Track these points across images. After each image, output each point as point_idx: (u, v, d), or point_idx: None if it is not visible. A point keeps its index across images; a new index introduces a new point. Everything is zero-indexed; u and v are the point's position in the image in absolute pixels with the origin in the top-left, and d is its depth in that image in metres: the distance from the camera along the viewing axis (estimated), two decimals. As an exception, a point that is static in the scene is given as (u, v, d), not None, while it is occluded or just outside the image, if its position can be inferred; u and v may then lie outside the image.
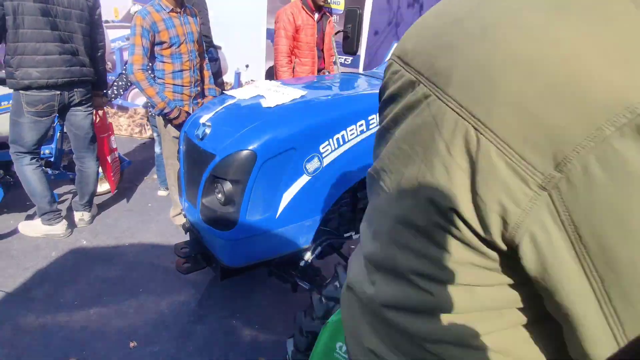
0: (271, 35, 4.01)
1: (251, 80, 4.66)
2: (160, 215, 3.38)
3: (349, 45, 2.48)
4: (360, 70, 4.01)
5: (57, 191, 3.40)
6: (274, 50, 3.25)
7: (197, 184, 1.67)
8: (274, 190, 1.65)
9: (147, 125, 5.12)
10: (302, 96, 1.77)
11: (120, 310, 2.33)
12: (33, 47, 2.39)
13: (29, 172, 2.69)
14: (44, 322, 2.19)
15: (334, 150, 1.77)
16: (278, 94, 1.77)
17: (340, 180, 1.88)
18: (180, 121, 2.72)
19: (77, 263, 2.69)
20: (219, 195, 1.61)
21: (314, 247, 1.97)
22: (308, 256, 1.97)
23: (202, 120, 1.72)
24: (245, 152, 1.54)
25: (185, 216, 1.97)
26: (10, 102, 2.63)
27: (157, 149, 3.50)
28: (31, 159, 2.70)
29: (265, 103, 1.70)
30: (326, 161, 1.75)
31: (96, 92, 2.90)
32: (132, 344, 2.11)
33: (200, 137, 1.65)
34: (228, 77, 4.68)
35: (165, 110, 2.61)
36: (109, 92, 3.27)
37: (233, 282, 2.62)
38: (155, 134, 3.45)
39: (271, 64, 4.13)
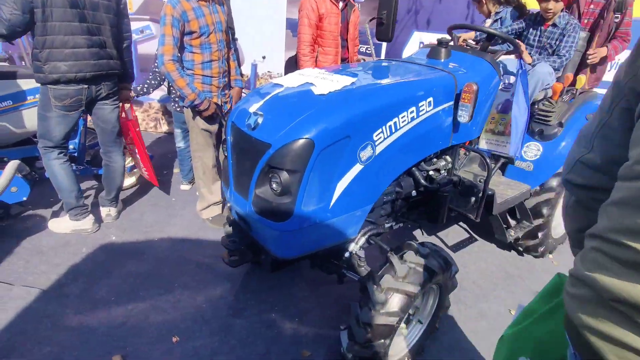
0: (292, 25, 3.95)
1: (268, 71, 4.59)
2: (186, 210, 3.34)
3: (384, 32, 2.42)
4: (382, 57, 3.95)
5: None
6: (297, 39, 3.19)
7: (250, 175, 1.63)
8: (328, 180, 1.61)
9: (162, 119, 5.06)
10: (353, 83, 1.72)
11: (157, 305, 2.30)
12: (61, 40, 2.33)
13: (56, 167, 2.65)
14: (82, 319, 2.16)
15: (386, 138, 1.72)
16: (328, 81, 1.72)
17: (390, 169, 1.84)
18: (209, 113, 2.67)
19: (108, 258, 2.66)
20: (275, 186, 1.56)
21: (359, 238, 1.94)
22: (353, 247, 1.94)
23: (252, 110, 1.67)
24: (302, 141, 1.49)
25: (231, 209, 1.93)
26: (37, 96, 2.58)
27: (179, 144, 3.45)
28: (59, 153, 2.65)
29: (317, 90, 1.65)
30: (378, 149, 1.71)
31: (123, 85, 2.85)
32: (174, 339, 2.08)
33: (253, 126, 1.60)
34: (244, 69, 4.61)
35: (196, 102, 2.56)
36: (139, 88, 3.20)
37: (268, 274, 2.59)
38: (177, 129, 3.39)
39: (291, 54, 4.06)
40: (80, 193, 2.81)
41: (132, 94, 3.02)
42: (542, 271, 2.92)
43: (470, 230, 3.37)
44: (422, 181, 2.08)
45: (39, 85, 2.50)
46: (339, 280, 2.00)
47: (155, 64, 3.22)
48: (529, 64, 2.62)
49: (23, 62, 5.05)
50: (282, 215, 1.58)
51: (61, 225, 2.84)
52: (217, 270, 2.63)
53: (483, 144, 2.56)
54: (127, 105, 2.93)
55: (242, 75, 3.23)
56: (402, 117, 1.75)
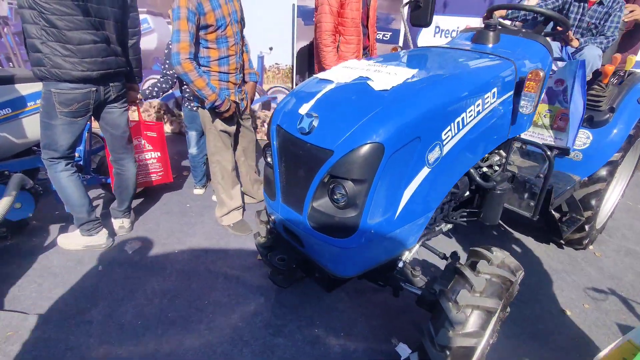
0: (303, 12, 3.69)
1: (276, 64, 4.34)
2: (204, 216, 3.13)
3: (421, 17, 2.21)
4: (400, 45, 3.73)
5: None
6: (316, 28, 2.95)
7: (305, 185, 1.42)
8: (396, 187, 1.41)
9: (164, 119, 4.79)
10: (413, 75, 1.51)
11: (190, 327, 2.10)
12: (65, 36, 2.07)
13: (64, 179, 2.41)
14: (109, 350, 1.95)
15: (454, 136, 1.53)
16: (385, 74, 1.52)
17: (455, 170, 1.66)
18: (230, 113, 2.44)
19: (127, 276, 2.44)
20: (337, 198, 1.36)
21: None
22: (407, 255, 1.76)
23: (302, 111, 1.45)
24: (371, 146, 1.29)
25: (274, 223, 1.72)
26: (39, 102, 2.32)
27: (192, 149, 3.22)
28: (66, 164, 2.41)
29: (377, 86, 1.44)
30: (445, 149, 1.52)
31: (130, 84, 2.60)
32: (215, 366, 1.89)
33: (307, 130, 1.39)
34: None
35: (217, 103, 2.33)
36: (147, 91, 2.93)
37: (301, 285, 2.40)
38: (191, 131, 3.15)
39: (302, 44, 3.83)
40: (92, 206, 2.58)
41: (139, 96, 2.76)
42: (586, 264, 2.78)
43: (503, 225, 3.22)
44: (478, 179, 1.89)
45: (39, 90, 2.24)
46: (394, 293, 1.81)
47: (166, 65, 2.96)
48: (575, 47, 2.43)
49: (10, 64, 4.72)
50: (346, 230, 1.39)
51: (72, 241, 2.61)
52: (247, 282, 2.44)
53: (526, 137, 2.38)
54: (132, 108, 2.68)
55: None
56: (469, 112, 1.55)
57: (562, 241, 2.76)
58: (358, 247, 1.43)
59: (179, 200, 3.37)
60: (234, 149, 2.83)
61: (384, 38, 3.78)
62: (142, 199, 3.33)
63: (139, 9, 2.66)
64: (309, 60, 3.88)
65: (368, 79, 1.50)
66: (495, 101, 1.70)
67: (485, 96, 1.62)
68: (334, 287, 1.65)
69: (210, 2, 2.21)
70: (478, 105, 1.59)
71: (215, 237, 2.88)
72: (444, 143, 1.50)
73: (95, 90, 2.28)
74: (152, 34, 4.34)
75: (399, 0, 3.58)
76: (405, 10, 2.29)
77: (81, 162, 2.92)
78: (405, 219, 1.51)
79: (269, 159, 1.65)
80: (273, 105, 4.58)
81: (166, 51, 2.99)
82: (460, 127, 1.54)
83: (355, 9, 2.88)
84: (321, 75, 1.65)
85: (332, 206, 1.39)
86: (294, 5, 3.84)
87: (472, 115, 1.57)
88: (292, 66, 4.18)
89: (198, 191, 3.44)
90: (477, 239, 2.99)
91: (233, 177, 2.81)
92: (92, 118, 2.52)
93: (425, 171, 1.48)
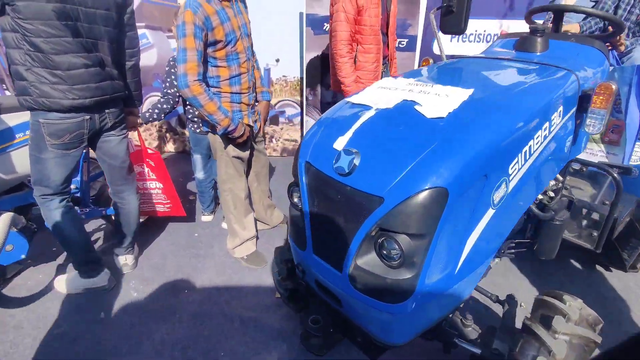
0: (312, 22, 3.45)
1: (283, 76, 4.09)
2: (214, 247, 2.87)
3: (455, 23, 1.95)
4: (417, 52, 3.49)
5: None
6: (331, 37, 2.70)
7: (346, 238, 1.16)
8: (459, 237, 1.15)
9: (166, 137, 4.55)
10: (470, 97, 1.25)
11: (206, 386, 1.84)
12: (52, 61, 1.82)
13: (59, 218, 2.15)
14: (114, 417, 1.69)
15: (521, 168, 1.27)
16: (434, 96, 1.26)
17: (518, 207, 1.40)
18: (245, 138, 2.19)
19: (133, 324, 2.18)
20: (390, 255, 1.10)
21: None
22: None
23: (338, 146, 1.20)
24: (432, 191, 1.03)
25: (303, 273, 1.46)
26: (28, 132, 2.07)
27: (199, 174, 2.97)
28: (60, 201, 2.15)
29: (428, 112, 1.18)
30: (511, 185, 1.26)
31: (129, 109, 2.35)
32: None
33: (347, 170, 1.13)
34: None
35: (230, 128, 2.07)
36: (147, 114, 2.67)
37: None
38: (196, 154, 2.90)
39: (311, 55, 3.58)
40: (91, 245, 2.33)
41: (140, 120, 2.52)
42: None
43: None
44: (535, 210, 1.63)
45: (27, 119, 1.99)
46: (445, 349, 1.54)
47: (167, 84, 2.71)
48: (622, 51, 2.17)
49: (3, 85, 4.48)
50: (399, 294, 1.12)
51: (70, 284, 2.36)
52: (266, 326, 2.17)
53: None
54: (134, 134, 2.43)
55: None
56: (536, 138, 1.29)
57: (629, 270, 2.47)
58: (412, 312, 1.17)
59: (186, 228, 3.11)
60: (247, 174, 2.58)
61: (400, 45, 3.53)
62: (145, 227, 3.07)
63: (138, 24, 2.42)
64: (320, 71, 3.62)
65: (415, 103, 1.25)
66: (560, 121, 1.43)
67: (552, 117, 1.36)
68: (380, 353, 1.39)
69: (219, 15, 1.96)
70: (545, 128, 1.33)
71: (227, 272, 2.61)
72: (511, 178, 1.24)
73: (90, 118, 2.03)
74: (152, 49, 4.10)
75: (416, 4, 3.34)
76: (433, 16, 2.03)
77: (78, 194, 2.67)
78: (467, 271, 1.25)
79: (296, 200, 1.39)
80: (281, 119, 4.33)
81: (167, 68, 2.74)
82: (527, 156, 1.28)
83: (374, 15, 2.63)
84: (354, 98, 1.38)
85: (382, 264, 1.13)
86: (301, 14, 3.60)
87: (539, 141, 1.31)
88: (302, 78, 3.93)
89: (206, 218, 3.18)
90: (515, 263, 2.71)
91: (246, 205, 2.55)
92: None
93: (489, 213, 1.22)
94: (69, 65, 1.86)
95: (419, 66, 3.63)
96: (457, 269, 1.20)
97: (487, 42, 3.86)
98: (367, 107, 1.30)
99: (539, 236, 1.77)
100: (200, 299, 2.38)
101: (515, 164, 1.23)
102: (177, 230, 3.09)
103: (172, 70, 2.67)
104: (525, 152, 1.26)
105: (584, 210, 1.83)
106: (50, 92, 1.84)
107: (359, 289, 1.18)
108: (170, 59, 2.75)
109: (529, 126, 1.25)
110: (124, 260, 2.55)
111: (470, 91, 1.28)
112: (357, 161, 1.13)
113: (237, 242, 2.62)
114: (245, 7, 2.24)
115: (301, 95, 4.11)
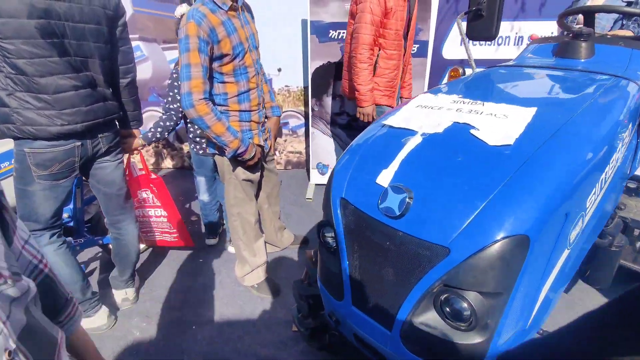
0: (317, 29, 3.26)
1: (285, 86, 3.90)
2: (221, 274, 2.65)
3: (484, 28, 1.77)
4: (429, 58, 3.30)
5: (80, 259, 2.65)
6: (352, 40, 2.50)
7: (398, 291, 0.96)
8: (534, 289, 0.96)
9: (164, 153, 4.33)
10: (535, 118, 1.06)
11: None
12: (37, 84, 1.62)
13: (51, 255, 1.93)
14: None
15: (596, 199, 1.07)
16: (490, 118, 1.06)
17: (588, 241, 1.20)
18: (256, 160, 1.98)
19: (136, 370, 1.96)
20: (457, 315, 0.90)
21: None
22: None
23: (383, 181, 1.00)
24: (510, 240, 0.83)
25: (337, 324, 1.25)
26: (12, 162, 1.85)
27: (203, 196, 2.75)
28: (51, 236, 1.94)
29: (489, 138, 0.99)
30: (586, 219, 1.06)
31: (127, 131, 2.14)
32: None
33: (398, 213, 0.93)
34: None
35: (240, 150, 1.87)
36: (149, 134, 2.45)
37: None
38: (200, 177, 2.68)
39: (317, 65, 3.39)
40: (87, 281, 2.11)
41: (140, 141, 2.30)
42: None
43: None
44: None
45: (10, 147, 1.78)
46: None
47: (170, 98, 2.50)
48: None
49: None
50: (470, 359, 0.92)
51: (65, 326, 2.13)
52: (285, 367, 1.96)
53: None
54: (135, 157, 2.22)
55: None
56: (612, 162, 1.10)
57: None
58: (481, 377, 0.97)
59: (190, 253, 2.89)
60: (256, 196, 2.37)
61: (412, 51, 3.34)
62: (145, 253, 2.85)
63: (132, 36, 2.21)
64: (327, 80, 3.43)
65: (469, 126, 1.05)
66: (628, 138, 1.25)
67: (625, 135, 1.17)
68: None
69: (225, 26, 1.76)
70: (619, 150, 1.14)
71: (238, 302, 2.40)
72: (587, 212, 1.05)
73: (81, 144, 1.82)
74: (147, 62, 3.89)
75: (427, 9, 3.16)
76: (459, 20, 1.84)
77: (71, 223, 2.44)
78: (538, 323, 1.05)
79: (329, 240, 1.18)
80: (285, 131, 4.13)
81: (169, 81, 2.52)
82: (603, 184, 1.09)
83: (400, 18, 2.44)
84: (391, 121, 1.19)
85: (445, 325, 0.93)
86: (304, 21, 3.41)
87: (614, 165, 1.12)
88: (306, 88, 3.74)
89: (211, 241, 2.96)
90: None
91: (256, 230, 2.34)
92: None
93: (565, 254, 1.03)
94: (55, 87, 1.65)
95: (430, 72, 3.45)
96: (530, 322, 1.01)
97: (498, 45, 3.69)
98: (411, 132, 1.10)
99: (591, 263, 1.58)
100: (210, 335, 2.16)
101: (592, 196, 1.04)
102: (180, 256, 2.87)
103: (175, 84, 2.45)
104: (602, 181, 1.07)
105: (636, 231, 1.64)
106: (36, 118, 1.63)
107: (414, 352, 0.98)
108: (173, 70, 2.53)
109: (605, 150, 1.07)
110: (124, 294, 2.33)
111: (532, 111, 1.09)
112: (410, 201, 0.94)
113: (247, 270, 2.41)
114: (252, 17, 2.04)
115: (306, 106, 3.91)
